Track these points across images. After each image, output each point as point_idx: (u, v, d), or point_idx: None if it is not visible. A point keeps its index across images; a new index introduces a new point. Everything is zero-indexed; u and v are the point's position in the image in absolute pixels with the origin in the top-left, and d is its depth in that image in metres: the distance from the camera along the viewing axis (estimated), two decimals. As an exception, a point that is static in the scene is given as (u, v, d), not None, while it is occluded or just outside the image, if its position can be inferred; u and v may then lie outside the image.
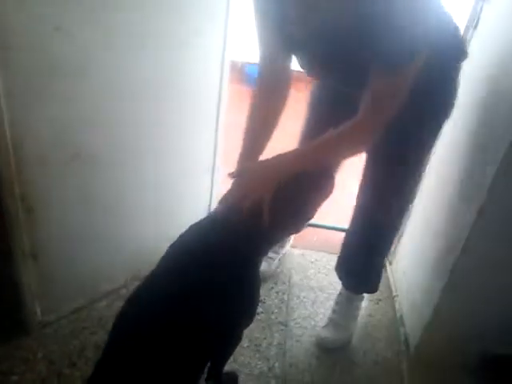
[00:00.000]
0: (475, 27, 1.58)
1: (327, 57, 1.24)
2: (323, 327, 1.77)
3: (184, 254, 1.15)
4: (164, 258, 1.17)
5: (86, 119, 1.38)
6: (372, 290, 1.83)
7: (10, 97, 1.18)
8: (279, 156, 1.20)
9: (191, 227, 1.18)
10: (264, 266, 1.97)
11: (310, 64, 1.33)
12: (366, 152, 1.50)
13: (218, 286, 1.08)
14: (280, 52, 1.29)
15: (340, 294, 1.81)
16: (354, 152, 1.27)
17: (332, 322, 1.77)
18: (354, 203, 1.65)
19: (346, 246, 1.77)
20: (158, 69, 1.48)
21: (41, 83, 1.24)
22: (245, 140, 1.35)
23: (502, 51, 1.35)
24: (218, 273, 1.09)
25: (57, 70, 1.25)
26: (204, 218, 1.21)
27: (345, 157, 1.31)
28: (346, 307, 1.78)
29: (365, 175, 1.56)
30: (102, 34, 1.29)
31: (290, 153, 1.21)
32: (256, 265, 1.21)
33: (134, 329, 1.08)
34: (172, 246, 1.18)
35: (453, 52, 1.29)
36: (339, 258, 1.82)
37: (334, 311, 1.79)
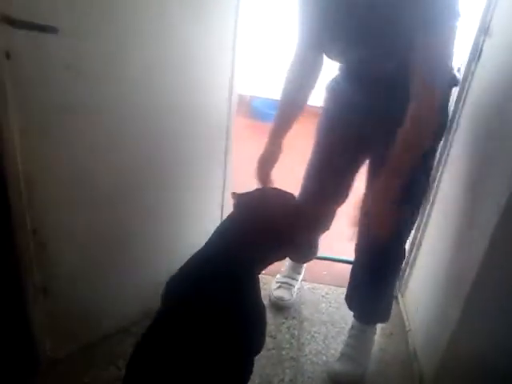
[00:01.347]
0: (478, 60, 1.62)
1: (367, 29, 1.33)
2: (336, 361, 1.74)
3: (183, 288, 1.17)
4: (165, 297, 1.19)
5: (98, 154, 1.41)
6: (383, 319, 1.81)
7: (22, 132, 1.21)
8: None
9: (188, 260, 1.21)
10: (284, 294, 2.00)
11: (346, 41, 1.41)
12: (368, 181, 1.66)
13: (222, 313, 1.09)
14: (317, 38, 1.46)
15: (352, 327, 1.79)
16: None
17: (345, 356, 1.73)
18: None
19: (353, 274, 1.78)
20: (168, 102, 1.51)
21: (53, 119, 1.27)
22: (278, 114, 1.57)
23: (505, 81, 1.38)
24: (219, 298, 1.10)
25: (68, 107, 1.29)
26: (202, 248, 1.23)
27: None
28: (358, 340, 1.76)
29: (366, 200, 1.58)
30: (112, 70, 1.34)
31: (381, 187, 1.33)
32: (255, 279, 1.21)
33: (145, 369, 1.08)
34: (172, 281, 1.20)
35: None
36: (348, 287, 1.81)
37: (347, 345, 1.77)
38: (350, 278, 1.79)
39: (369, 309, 1.76)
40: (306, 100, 1.59)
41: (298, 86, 1.57)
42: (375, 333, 1.81)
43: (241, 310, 1.12)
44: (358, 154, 1.70)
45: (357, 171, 1.74)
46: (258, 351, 1.22)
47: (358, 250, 1.69)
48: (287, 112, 1.59)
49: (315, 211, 1.33)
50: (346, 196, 1.79)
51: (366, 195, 1.58)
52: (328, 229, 1.94)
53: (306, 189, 1.79)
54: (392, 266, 1.67)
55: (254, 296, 1.19)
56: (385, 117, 1.42)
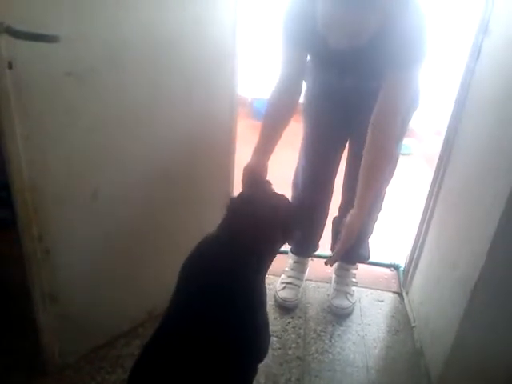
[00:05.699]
0: (477, 58, 1.63)
1: (351, 64, 1.51)
2: (332, 299, 2.03)
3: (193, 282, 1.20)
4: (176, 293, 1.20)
5: (102, 160, 1.42)
6: (363, 259, 2.17)
7: (26, 139, 1.22)
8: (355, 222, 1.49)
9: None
10: (290, 295, 2.02)
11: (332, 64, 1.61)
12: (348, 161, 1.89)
13: (231, 309, 1.11)
14: (300, 69, 1.59)
15: (337, 267, 2.12)
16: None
17: (337, 292, 2.05)
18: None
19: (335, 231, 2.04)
20: (170, 108, 1.52)
21: (56, 126, 1.28)
22: (260, 138, 1.55)
23: (504, 81, 1.39)
24: (228, 297, 1.12)
25: (71, 113, 1.29)
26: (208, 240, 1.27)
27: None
28: (345, 275, 2.09)
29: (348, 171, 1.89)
30: (112, 78, 1.34)
31: (358, 214, 1.49)
32: (262, 278, 1.25)
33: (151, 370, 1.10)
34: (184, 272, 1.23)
35: None
36: (332, 240, 2.09)
37: (336, 282, 2.09)
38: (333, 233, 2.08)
39: (350, 254, 1.98)
40: (289, 118, 1.59)
41: (281, 110, 1.58)
42: (357, 268, 2.17)
43: (249, 317, 1.14)
44: (344, 132, 1.84)
45: (342, 153, 1.91)
46: (261, 359, 1.24)
47: (340, 209, 2.01)
48: (272, 130, 1.58)
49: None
50: (334, 176, 1.95)
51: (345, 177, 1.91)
52: (323, 226, 2.10)
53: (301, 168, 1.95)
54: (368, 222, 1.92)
55: (261, 303, 1.21)
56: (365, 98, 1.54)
